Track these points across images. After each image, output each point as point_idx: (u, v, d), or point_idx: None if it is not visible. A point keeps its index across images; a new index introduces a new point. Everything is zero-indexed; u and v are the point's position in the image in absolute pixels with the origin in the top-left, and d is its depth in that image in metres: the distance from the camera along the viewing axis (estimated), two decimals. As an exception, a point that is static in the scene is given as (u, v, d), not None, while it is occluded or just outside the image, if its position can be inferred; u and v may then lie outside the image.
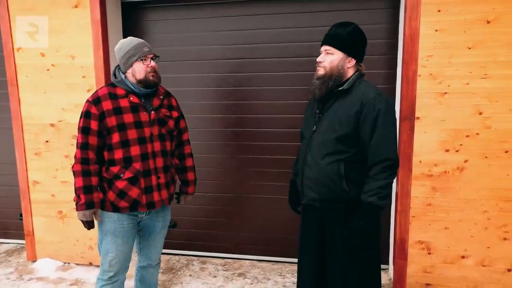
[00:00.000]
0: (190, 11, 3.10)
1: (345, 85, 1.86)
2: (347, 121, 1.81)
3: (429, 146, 2.58)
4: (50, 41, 3.00)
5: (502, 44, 2.42)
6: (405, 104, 2.57)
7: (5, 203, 3.64)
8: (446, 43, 2.47)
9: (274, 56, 3.02)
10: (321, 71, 1.88)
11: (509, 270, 2.60)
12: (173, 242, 3.37)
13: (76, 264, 3.27)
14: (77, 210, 1.97)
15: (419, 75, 2.53)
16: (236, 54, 3.07)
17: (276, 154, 3.12)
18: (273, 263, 3.26)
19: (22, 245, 3.65)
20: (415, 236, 2.67)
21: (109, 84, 2.08)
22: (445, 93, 2.52)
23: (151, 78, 2.01)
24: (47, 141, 3.15)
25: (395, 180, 2.58)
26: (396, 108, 2.64)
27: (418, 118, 2.56)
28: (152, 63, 2.02)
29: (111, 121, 1.95)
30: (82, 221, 1.99)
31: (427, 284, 2.71)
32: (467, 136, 2.53)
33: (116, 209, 2.02)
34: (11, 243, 3.72)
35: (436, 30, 2.48)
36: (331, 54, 1.86)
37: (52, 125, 3.11)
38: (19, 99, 3.13)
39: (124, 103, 1.99)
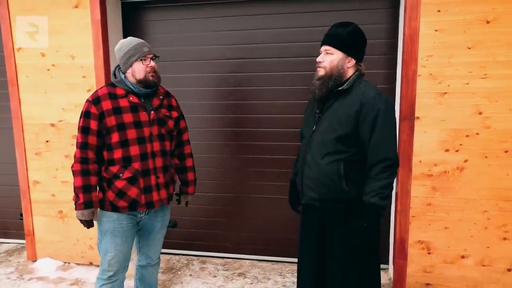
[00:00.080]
0: (190, 11, 3.10)
1: (345, 85, 1.86)
2: (347, 121, 1.81)
3: (429, 146, 2.58)
4: (50, 41, 3.00)
5: (501, 44, 2.42)
6: (405, 104, 2.57)
7: (6, 203, 3.65)
8: (446, 43, 2.47)
9: (274, 56, 3.03)
10: (321, 72, 1.89)
11: (509, 270, 2.60)
12: (173, 242, 3.37)
13: (76, 263, 3.28)
14: (76, 210, 1.97)
15: (419, 75, 2.53)
16: (236, 54, 3.08)
17: (276, 154, 3.12)
18: (273, 263, 3.26)
19: (22, 244, 3.65)
20: (415, 236, 2.67)
21: (109, 84, 2.08)
22: (445, 93, 2.52)
23: (150, 78, 2.01)
24: (47, 141, 3.15)
25: (395, 180, 2.58)
26: (396, 108, 2.65)
27: (418, 118, 2.56)
28: (152, 63, 2.02)
29: (111, 121, 1.95)
30: (80, 220, 2.00)
31: (427, 284, 2.71)
32: (467, 136, 2.53)
33: (115, 208, 2.02)
34: (11, 243, 3.73)
35: (436, 30, 2.48)
36: (331, 54, 1.87)
37: (52, 125, 3.12)
38: (19, 99, 3.14)
39: (123, 103, 1.99)
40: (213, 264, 3.24)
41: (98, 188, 2.06)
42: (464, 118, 2.52)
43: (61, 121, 3.10)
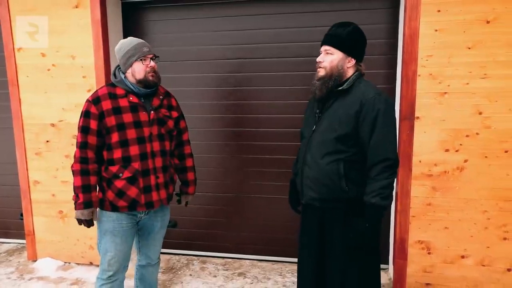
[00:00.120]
0: (191, 11, 3.10)
1: (345, 84, 1.86)
2: (347, 121, 1.81)
3: (429, 146, 2.58)
4: (50, 41, 3.01)
5: (501, 44, 2.42)
6: (405, 104, 2.57)
7: (6, 203, 3.65)
8: (446, 43, 2.47)
9: (274, 56, 3.03)
10: (321, 72, 1.89)
11: (509, 269, 2.60)
12: (173, 241, 3.37)
13: (77, 263, 3.28)
14: (75, 209, 1.98)
15: (419, 75, 2.53)
16: (237, 54, 3.08)
17: (276, 154, 3.12)
18: (273, 262, 3.26)
19: (22, 244, 3.65)
20: (415, 236, 2.68)
21: (109, 84, 2.09)
22: (445, 93, 2.52)
23: (150, 78, 2.01)
24: (47, 141, 3.15)
25: (395, 180, 2.59)
26: (396, 108, 2.65)
27: (418, 118, 2.56)
28: (152, 63, 2.02)
29: (111, 120, 1.95)
30: (79, 219, 1.99)
31: (427, 284, 2.71)
32: (467, 136, 2.53)
33: (115, 208, 2.03)
34: (11, 243, 3.73)
35: (436, 30, 2.48)
36: (331, 54, 1.87)
37: (52, 125, 3.12)
38: (19, 99, 3.14)
39: (123, 103, 1.99)
40: (213, 264, 3.24)
41: (98, 188, 2.06)
42: (464, 118, 2.52)
43: (61, 121, 3.10)
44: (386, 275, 2.99)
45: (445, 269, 2.67)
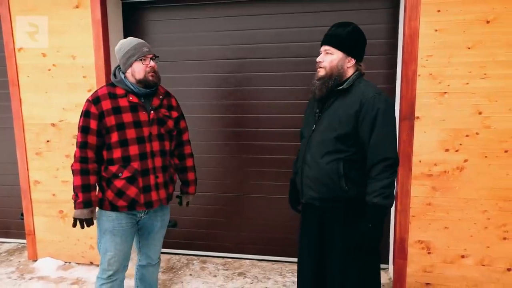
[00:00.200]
0: (191, 11, 3.11)
1: (345, 84, 1.86)
2: (347, 120, 1.81)
3: (429, 145, 2.58)
4: (51, 41, 3.01)
5: (501, 44, 2.42)
6: (405, 104, 2.58)
7: (6, 203, 3.66)
8: (446, 43, 2.48)
9: (275, 56, 3.03)
10: (321, 72, 1.89)
11: (508, 269, 2.60)
12: (174, 241, 3.38)
13: (77, 263, 3.28)
14: (75, 208, 1.98)
15: (419, 75, 2.53)
16: (237, 54, 3.08)
17: (276, 153, 3.13)
18: (273, 262, 3.26)
19: (23, 244, 3.66)
20: (415, 236, 2.68)
21: (109, 84, 2.09)
22: (445, 92, 2.52)
23: (150, 78, 2.01)
24: (48, 141, 3.16)
25: (395, 179, 2.59)
26: (396, 108, 2.65)
27: (417, 117, 2.57)
28: (152, 63, 2.03)
29: (110, 120, 1.96)
30: (77, 219, 1.99)
31: (427, 284, 2.71)
32: (467, 135, 2.53)
33: (114, 208, 2.03)
34: (12, 243, 3.74)
35: (436, 30, 2.48)
36: (331, 54, 1.87)
37: (53, 125, 3.13)
38: (20, 99, 3.14)
39: (123, 102, 2.00)
40: (213, 264, 3.24)
41: (97, 187, 2.06)
42: (464, 118, 2.52)
43: (61, 121, 3.11)
44: (386, 275, 2.99)
45: (445, 269, 2.67)
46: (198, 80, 3.17)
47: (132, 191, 2.01)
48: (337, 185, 1.84)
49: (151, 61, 2.03)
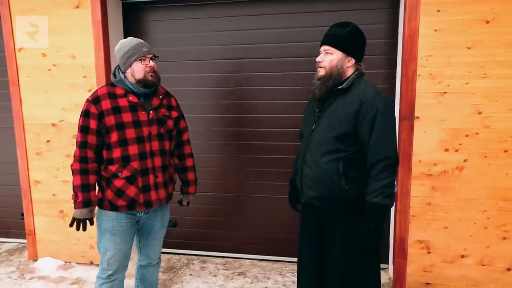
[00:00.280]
0: (191, 11, 3.11)
1: (345, 83, 1.87)
2: (346, 120, 1.82)
3: (428, 145, 2.58)
4: (51, 41, 3.01)
5: (501, 44, 2.42)
6: (405, 104, 2.58)
7: (7, 203, 3.66)
8: (446, 43, 2.48)
9: (275, 56, 3.03)
10: (321, 72, 1.89)
11: (508, 269, 2.60)
12: (174, 241, 3.38)
13: (77, 263, 3.29)
14: (74, 208, 1.98)
15: (419, 75, 2.53)
16: (237, 54, 3.08)
17: (276, 153, 3.13)
18: (273, 262, 3.26)
19: (23, 244, 3.66)
20: (415, 236, 2.68)
21: (108, 84, 2.09)
22: (445, 92, 2.52)
23: (149, 78, 2.02)
24: (48, 141, 3.16)
25: (396, 179, 2.59)
26: (395, 108, 2.66)
27: (417, 117, 2.57)
28: (151, 63, 2.03)
29: (110, 120, 1.96)
30: (75, 219, 1.97)
31: (427, 283, 2.71)
32: (467, 135, 2.53)
33: (114, 207, 2.03)
34: (12, 242, 3.74)
35: (436, 30, 2.48)
36: (331, 54, 1.88)
37: (53, 124, 3.13)
38: (20, 99, 3.15)
39: (123, 102, 2.00)
40: (213, 264, 3.25)
41: (97, 187, 2.07)
42: (463, 117, 2.52)
43: (62, 121, 3.11)
44: (386, 275, 2.99)
45: (444, 269, 2.67)
46: (198, 80, 3.17)
47: (131, 191, 2.01)
48: (337, 184, 1.84)
49: (150, 61, 2.03)
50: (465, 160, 2.56)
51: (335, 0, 2.88)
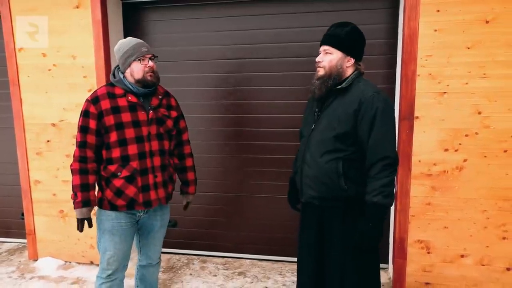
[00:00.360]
0: (191, 11, 3.11)
1: (344, 83, 1.87)
2: (346, 119, 1.82)
3: (428, 145, 2.58)
4: (51, 41, 3.02)
5: (501, 44, 2.42)
6: (404, 104, 2.58)
7: (7, 203, 3.67)
8: (445, 43, 2.48)
9: (275, 56, 3.03)
10: (321, 72, 1.90)
11: (508, 269, 2.60)
12: (174, 241, 3.38)
13: (77, 263, 3.29)
14: (74, 208, 1.99)
15: (418, 75, 2.53)
16: (237, 54, 3.09)
17: (276, 153, 3.13)
18: (273, 262, 3.27)
19: (23, 244, 3.67)
20: (415, 235, 2.68)
21: (108, 83, 2.10)
22: (444, 92, 2.52)
23: (149, 78, 2.02)
24: (48, 141, 3.17)
25: (395, 178, 2.59)
26: (395, 108, 2.66)
27: (417, 117, 2.57)
28: (150, 63, 2.03)
29: (109, 120, 1.96)
30: (78, 222, 1.99)
31: (427, 283, 2.71)
32: (466, 135, 2.53)
33: (113, 207, 2.03)
34: (12, 242, 3.74)
35: (435, 30, 2.48)
36: (330, 53, 1.88)
37: (53, 124, 3.13)
38: (20, 99, 3.15)
39: (122, 102, 2.00)
40: (213, 263, 3.25)
41: (97, 187, 2.07)
42: (463, 117, 2.52)
43: (62, 121, 3.11)
44: (386, 275, 2.99)
45: (444, 269, 2.67)
46: (198, 80, 3.18)
47: (131, 191, 2.01)
48: (336, 184, 1.84)
49: (149, 61, 2.03)
50: (465, 160, 2.56)
51: (335, 0, 2.88)
